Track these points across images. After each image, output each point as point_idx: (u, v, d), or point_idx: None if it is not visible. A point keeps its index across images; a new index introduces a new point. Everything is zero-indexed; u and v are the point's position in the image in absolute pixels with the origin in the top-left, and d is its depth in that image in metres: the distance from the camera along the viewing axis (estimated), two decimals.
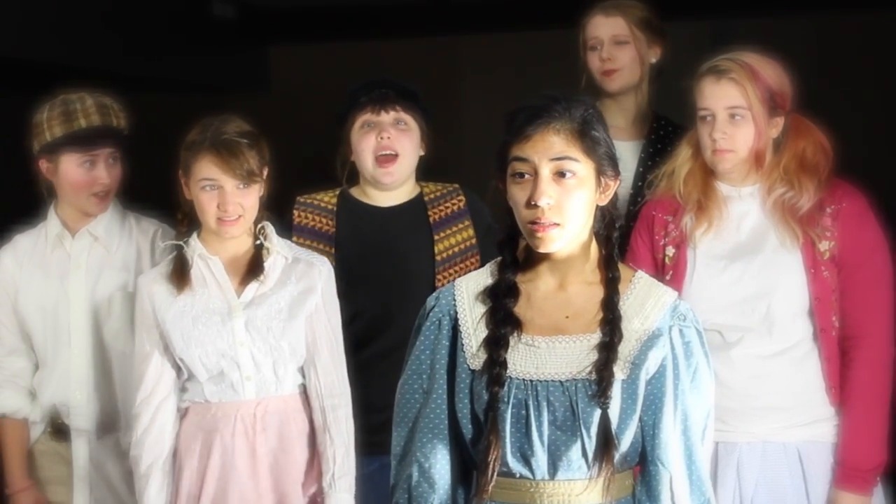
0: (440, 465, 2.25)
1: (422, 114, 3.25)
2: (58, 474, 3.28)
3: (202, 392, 2.96)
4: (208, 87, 6.17)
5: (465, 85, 5.92)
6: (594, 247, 2.26)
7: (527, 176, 2.17)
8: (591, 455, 2.16)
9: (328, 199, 3.32)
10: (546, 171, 2.15)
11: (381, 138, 3.17)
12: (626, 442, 2.19)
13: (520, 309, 2.23)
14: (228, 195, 2.90)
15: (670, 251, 3.00)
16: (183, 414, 3.00)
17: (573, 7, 3.43)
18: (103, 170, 3.20)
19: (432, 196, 3.31)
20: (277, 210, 3.17)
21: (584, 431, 2.16)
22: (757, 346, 2.90)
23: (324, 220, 3.28)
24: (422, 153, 3.27)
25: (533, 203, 2.14)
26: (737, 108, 2.87)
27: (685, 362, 2.22)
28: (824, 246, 2.89)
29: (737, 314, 2.91)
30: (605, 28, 3.39)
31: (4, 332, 3.28)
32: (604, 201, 2.23)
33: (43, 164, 3.22)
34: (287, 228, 3.26)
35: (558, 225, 2.16)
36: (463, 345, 2.25)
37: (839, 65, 5.75)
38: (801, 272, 2.89)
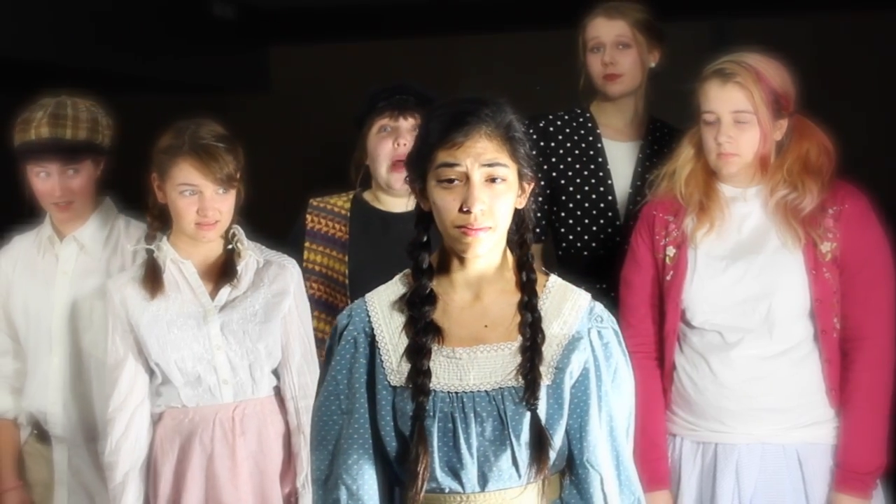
0: (368, 485, 2.20)
1: None
2: (43, 477, 3.27)
3: (178, 397, 2.94)
4: (208, 87, 6.15)
5: (465, 85, 5.90)
6: (507, 251, 2.23)
7: (456, 181, 2.13)
8: (521, 463, 2.14)
9: (342, 203, 3.30)
10: (478, 176, 2.12)
11: (398, 145, 3.16)
12: (556, 447, 2.17)
13: (437, 320, 2.19)
14: (208, 200, 2.89)
15: (671, 251, 2.99)
16: (157, 419, 2.97)
17: (573, 8, 3.42)
18: (56, 182, 3.15)
19: None
20: (276, 209, 3.16)
21: (513, 439, 2.14)
22: (757, 347, 2.90)
23: (337, 226, 3.27)
24: None
25: (466, 209, 2.11)
26: (742, 112, 2.86)
27: (605, 363, 2.21)
28: (826, 247, 2.88)
29: (737, 315, 2.90)
30: (608, 31, 3.38)
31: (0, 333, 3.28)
32: (521, 203, 2.21)
33: (22, 167, 3.20)
34: (299, 232, 3.26)
35: (490, 228, 2.13)
36: (382, 361, 2.19)
37: (839, 65, 5.74)
38: (803, 273, 2.89)
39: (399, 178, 3.17)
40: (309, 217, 3.29)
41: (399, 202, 3.24)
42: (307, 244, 3.23)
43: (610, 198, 3.40)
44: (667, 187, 3.02)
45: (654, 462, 2.92)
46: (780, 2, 5.76)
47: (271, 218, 3.10)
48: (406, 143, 3.15)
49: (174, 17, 5.92)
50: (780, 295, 2.88)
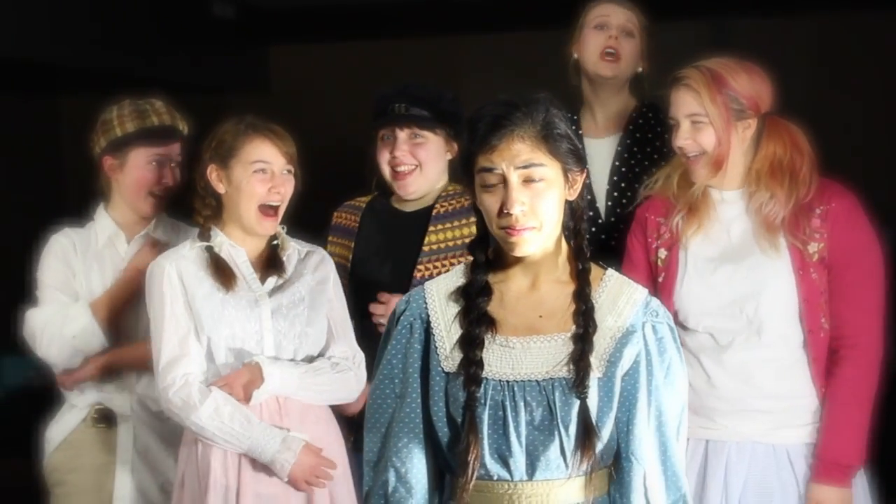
0: (417, 469, 2.24)
1: (442, 121, 3.22)
2: (98, 461, 3.26)
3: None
4: (208, 87, 6.16)
5: (465, 85, 5.91)
6: (563, 241, 2.26)
7: (495, 185, 2.17)
8: (568, 453, 2.17)
9: (363, 199, 3.38)
10: (515, 178, 2.15)
11: (394, 156, 3.20)
12: (603, 439, 2.19)
13: (492, 309, 2.23)
14: (278, 178, 2.95)
15: (662, 253, 3.00)
16: None
17: (574, 7, 3.42)
18: (168, 170, 3.26)
19: (449, 192, 3.28)
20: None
21: (562, 430, 2.16)
22: (747, 348, 2.90)
23: (351, 218, 3.35)
24: (449, 157, 3.27)
25: (506, 211, 2.15)
26: (694, 114, 2.88)
27: (659, 358, 2.23)
28: (813, 248, 2.88)
29: (726, 316, 2.90)
30: (617, 13, 3.36)
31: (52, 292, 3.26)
32: (573, 196, 2.23)
33: (107, 161, 3.27)
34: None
35: (534, 228, 2.17)
36: (436, 347, 2.24)
37: (839, 65, 5.75)
38: (790, 274, 2.88)
39: (403, 186, 3.23)
40: (336, 214, 3.38)
41: (412, 203, 3.28)
42: (329, 238, 3.33)
43: (589, 197, 3.39)
44: (662, 187, 3.03)
45: None
46: (780, 2, 5.77)
47: None
48: (401, 152, 3.19)
49: (174, 17, 5.93)
50: (767, 296, 2.88)
